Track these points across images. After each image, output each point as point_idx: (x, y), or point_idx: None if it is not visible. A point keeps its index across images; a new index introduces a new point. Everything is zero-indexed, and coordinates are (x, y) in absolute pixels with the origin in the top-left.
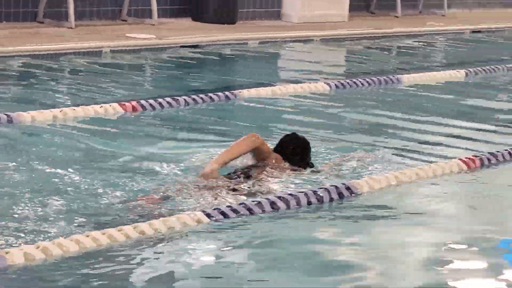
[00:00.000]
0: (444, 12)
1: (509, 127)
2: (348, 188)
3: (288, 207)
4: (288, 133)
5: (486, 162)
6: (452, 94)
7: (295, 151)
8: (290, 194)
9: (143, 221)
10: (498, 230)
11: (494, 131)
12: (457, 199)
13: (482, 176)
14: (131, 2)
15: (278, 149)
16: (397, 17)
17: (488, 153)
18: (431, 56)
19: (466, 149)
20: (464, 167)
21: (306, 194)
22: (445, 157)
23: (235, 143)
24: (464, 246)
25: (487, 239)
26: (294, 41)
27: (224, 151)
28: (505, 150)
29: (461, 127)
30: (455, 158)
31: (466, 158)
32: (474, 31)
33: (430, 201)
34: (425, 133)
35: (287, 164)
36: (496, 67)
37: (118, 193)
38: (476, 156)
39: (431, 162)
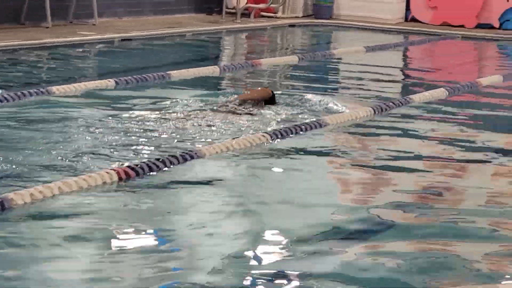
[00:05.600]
0: (95, 21)
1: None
2: None
3: None
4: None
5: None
6: (101, 103)
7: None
8: None
9: None
10: None
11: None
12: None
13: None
14: None
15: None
16: (47, 27)
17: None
18: (83, 66)
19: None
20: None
21: None
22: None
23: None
24: None
25: None
26: None
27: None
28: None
29: (121, 134)
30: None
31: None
32: (124, 39)
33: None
34: (74, 142)
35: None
36: (147, 75)
37: None
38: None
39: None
